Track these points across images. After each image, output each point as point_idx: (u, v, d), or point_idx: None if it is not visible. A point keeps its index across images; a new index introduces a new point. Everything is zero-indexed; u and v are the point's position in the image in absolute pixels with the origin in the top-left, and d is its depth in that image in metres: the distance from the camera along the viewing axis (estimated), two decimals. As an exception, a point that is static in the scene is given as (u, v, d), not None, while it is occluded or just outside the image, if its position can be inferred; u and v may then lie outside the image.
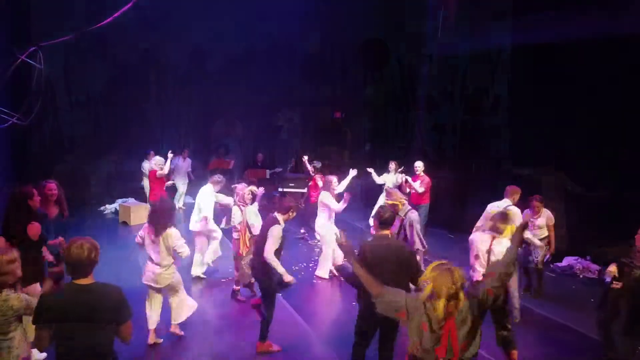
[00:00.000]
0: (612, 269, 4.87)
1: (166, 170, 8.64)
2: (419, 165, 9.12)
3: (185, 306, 5.33)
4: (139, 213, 10.00)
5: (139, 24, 10.96)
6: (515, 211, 6.33)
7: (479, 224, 6.51)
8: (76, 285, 2.86)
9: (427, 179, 9.00)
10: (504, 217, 4.68)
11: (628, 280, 4.63)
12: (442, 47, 11.59)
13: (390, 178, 9.84)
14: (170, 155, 8.74)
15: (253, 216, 6.26)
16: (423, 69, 11.99)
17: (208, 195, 6.94)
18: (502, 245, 4.48)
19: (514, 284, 4.93)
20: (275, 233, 4.81)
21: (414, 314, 2.84)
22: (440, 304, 2.65)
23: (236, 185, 6.56)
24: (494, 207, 6.48)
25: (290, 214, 5.03)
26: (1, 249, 3.27)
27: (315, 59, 13.75)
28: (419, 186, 8.85)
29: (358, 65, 14.35)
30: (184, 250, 5.03)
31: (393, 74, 13.43)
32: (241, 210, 6.21)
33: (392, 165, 9.89)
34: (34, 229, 4.65)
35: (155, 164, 8.73)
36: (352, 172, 7.95)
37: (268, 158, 13.16)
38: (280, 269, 4.76)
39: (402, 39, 13.00)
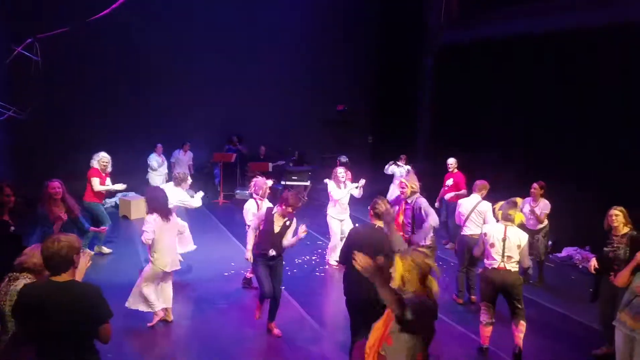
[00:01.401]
0: (592, 262, 5.04)
1: (111, 187, 7.67)
2: (451, 162, 8.78)
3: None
4: (139, 207, 9.99)
5: (141, 14, 10.92)
6: (487, 206, 6.39)
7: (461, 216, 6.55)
8: (53, 282, 2.80)
9: (461, 175, 8.71)
10: (513, 204, 4.99)
11: (618, 264, 4.64)
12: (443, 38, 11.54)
13: (400, 171, 10.03)
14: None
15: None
16: (427, 62, 11.92)
17: (171, 194, 6.73)
18: (515, 232, 4.87)
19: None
20: (256, 211, 5.26)
21: None
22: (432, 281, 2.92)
23: (256, 178, 6.57)
24: (466, 203, 6.55)
25: (285, 207, 5.03)
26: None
27: (318, 52, 13.67)
28: (452, 183, 8.66)
29: (361, 57, 14.30)
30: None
31: (397, 66, 13.39)
32: (257, 204, 6.24)
33: (403, 158, 10.19)
34: None
35: (99, 160, 7.55)
36: (362, 182, 7.66)
37: (271, 151, 13.14)
38: (248, 245, 5.25)
39: (404, 29, 12.95)
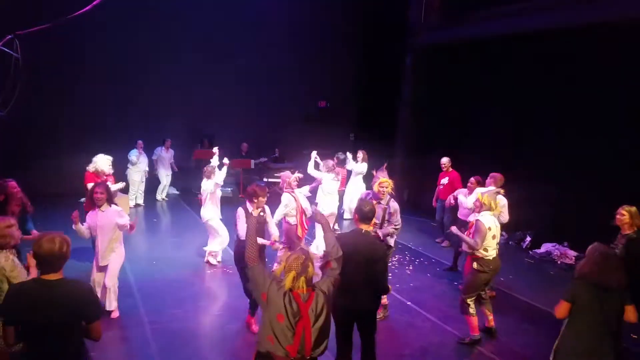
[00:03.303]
0: None
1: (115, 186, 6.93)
2: (445, 161, 8.61)
3: None
4: (121, 203, 9.82)
5: (121, 12, 10.74)
6: (504, 201, 6.39)
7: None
8: (43, 281, 2.78)
9: (456, 174, 8.59)
10: (496, 195, 5.22)
11: None
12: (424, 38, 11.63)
13: (357, 167, 9.69)
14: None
15: (305, 200, 6.54)
16: (408, 60, 11.99)
17: (210, 185, 7.20)
18: (495, 220, 5.09)
19: None
20: (239, 214, 5.17)
21: (274, 302, 2.89)
22: (290, 276, 2.88)
23: (281, 174, 6.72)
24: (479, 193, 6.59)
25: (256, 200, 5.06)
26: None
27: (301, 49, 13.62)
28: (447, 182, 8.51)
29: (343, 54, 14.32)
30: None
31: (379, 64, 13.44)
32: (294, 197, 6.33)
33: (360, 155, 9.73)
34: None
35: (96, 163, 6.81)
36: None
37: (253, 148, 13.07)
38: (261, 240, 5.04)
39: (385, 28, 13.00)
